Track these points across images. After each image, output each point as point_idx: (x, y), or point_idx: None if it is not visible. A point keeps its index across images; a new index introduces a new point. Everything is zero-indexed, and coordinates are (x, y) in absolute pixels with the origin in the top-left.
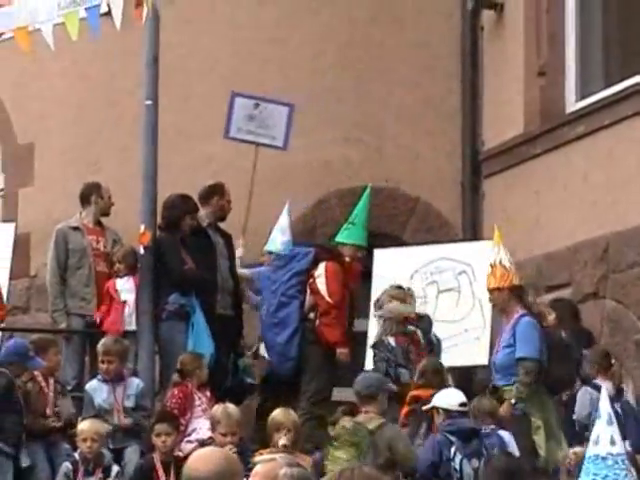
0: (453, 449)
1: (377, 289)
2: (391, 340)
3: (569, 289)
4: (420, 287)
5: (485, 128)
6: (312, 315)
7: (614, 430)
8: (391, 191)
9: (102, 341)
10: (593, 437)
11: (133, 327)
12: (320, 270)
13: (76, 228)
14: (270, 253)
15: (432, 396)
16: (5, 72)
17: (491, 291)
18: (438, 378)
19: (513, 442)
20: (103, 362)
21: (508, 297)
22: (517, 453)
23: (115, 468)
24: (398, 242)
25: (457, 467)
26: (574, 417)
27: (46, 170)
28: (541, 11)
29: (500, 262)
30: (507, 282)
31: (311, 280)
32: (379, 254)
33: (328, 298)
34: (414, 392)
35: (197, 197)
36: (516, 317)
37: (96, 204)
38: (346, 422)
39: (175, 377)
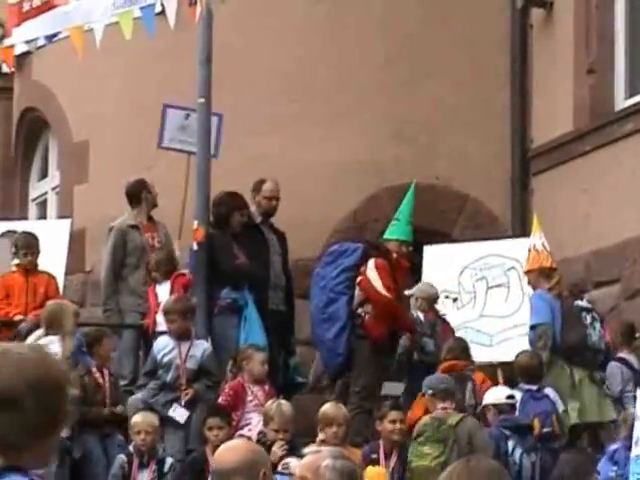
0: (511, 444)
1: (427, 278)
2: (420, 315)
3: (617, 285)
4: (470, 283)
5: (534, 126)
6: (360, 310)
7: None
8: (441, 189)
9: (164, 302)
10: (635, 438)
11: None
12: (370, 266)
13: (134, 226)
14: None
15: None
16: (61, 71)
17: (526, 273)
18: (464, 355)
19: (558, 399)
20: (167, 322)
21: (537, 277)
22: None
23: (169, 460)
24: (448, 239)
25: (517, 461)
26: (608, 393)
27: (100, 167)
28: (591, 9)
29: (534, 247)
30: (537, 264)
31: (360, 276)
32: (429, 250)
33: (385, 292)
34: (446, 364)
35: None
36: None
37: (146, 200)
38: (427, 419)
39: (229, 370)
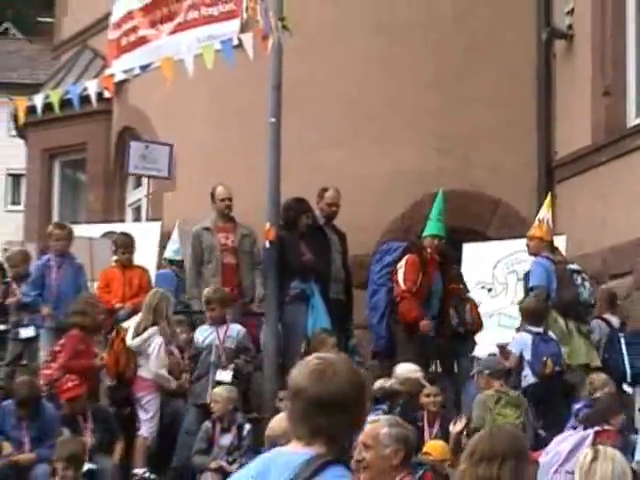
0: None
1: (466, 277)
2: None
3: (630, 277)
4: (502, 275)
5: (557, 140)
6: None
7: None
8: (477, 194)
9: (204, 292)
10: None
11: None
12: (402, 262)
13: (207, 229)
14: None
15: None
16: (153, 96)
17: (535, 238)
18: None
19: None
20: (207, 310)
21: (537, 244)
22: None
23: (247, 426)
24: (483, 237)
25: None
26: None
27: (186, 178)
28: (606, 40)
29: (547, 222)
30: (539, 234)
31: (394, 271)
32: (467, 247)
33: (402, 285)
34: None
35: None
36: None
37: (215, 206)
38: (493, 391)
39: (303, 350)
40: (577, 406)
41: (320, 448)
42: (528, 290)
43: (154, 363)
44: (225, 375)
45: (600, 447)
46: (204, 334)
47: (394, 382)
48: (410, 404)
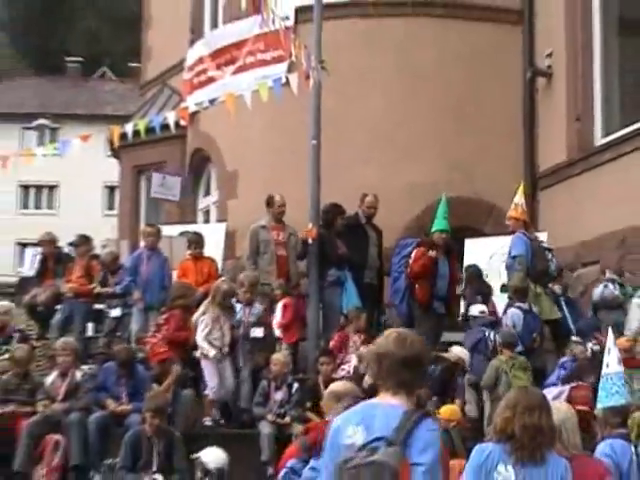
0: None
1: (467, 264)
2: None
3: (597, 265)
4: (496, 264)
5: (540, 157)
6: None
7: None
8: (477, 201)
9: (240, 276)
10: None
11: None
12: (413, 254)
13: (263, 227)
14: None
15: None
16: (219, 123)
17: (512, 218)
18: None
19: None
20: (242, 293)
21: (520, 224)
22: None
23: (295, 385)
24: (481, 234)
25: None
26: None
27: (245, 188)
28: (577, 77)
29: (521, 205)
30: (516, 215)
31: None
32: (468, 242)
33: (409, 271)
34: None
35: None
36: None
37: (269, 210)
38: (506, 357)
39: (340, 325)
40: (563, 360)
41: (403, 397)
42: (512, 258)
43: (199, 335)
44: (258, 332)
45: (554, 402)
46: (239, 314)
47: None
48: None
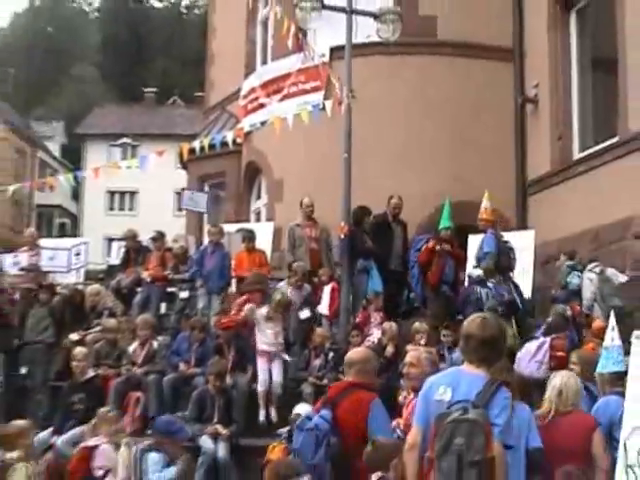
0: None
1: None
2: None
3: (576, 257)
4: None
5: (529, 168)
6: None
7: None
8: (478, 204)
9: (294, 265)
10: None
11: None
12: (423, 248)
13: (298, 225)
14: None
15: None
16: (268, 141)
17: (483, 220)
18: None
19: None
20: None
21: (491, 225)
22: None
23: (331, 354)
24: (481, 231)
25: None
26: None
27: (289, 193)
28: (559, 104)
29: (491, 208)
30: (493, 218)
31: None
32: (471, 238)
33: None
34: None
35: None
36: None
37: (300, 211)
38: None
39: (362, 306)
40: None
41: (484, 369)
42: (484, 253)
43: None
44: (306, 313)
45: (560, 372)
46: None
47: None
48: None
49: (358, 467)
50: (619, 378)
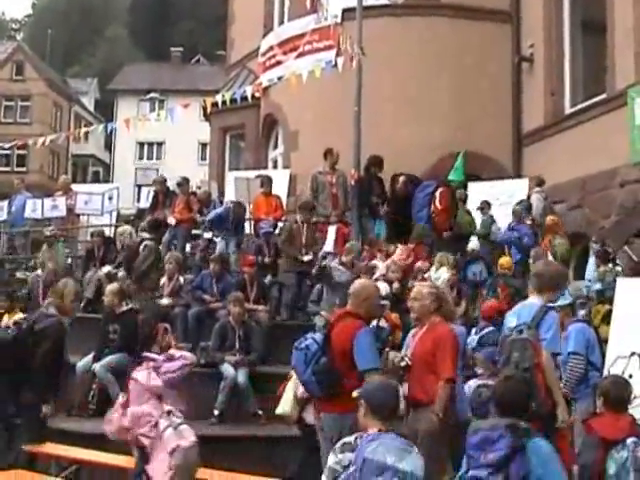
0: None
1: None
2: None
3: (565, 204)
4: (492, 201)
5: (524, 122)
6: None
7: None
8: (479, 155)
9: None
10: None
11: None
12: (437, 191)
13: (321, 172)
14: None
15: None
16: (284, 94)
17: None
18: None
19: None
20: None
21: None
22: None
23: None
24: (480, 179)
25: None
26: None
27: (304, 143)
28: (552, 62)
29: None
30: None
31: (433, 197)
32: (471, 185)
33: (439, 205)
34: None
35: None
36: None
37: (327, 160)
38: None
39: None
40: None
41: (541, 298)
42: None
43: None
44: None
45: None
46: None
47: None
48: None
49: (346, 385)
50: (572, 309)
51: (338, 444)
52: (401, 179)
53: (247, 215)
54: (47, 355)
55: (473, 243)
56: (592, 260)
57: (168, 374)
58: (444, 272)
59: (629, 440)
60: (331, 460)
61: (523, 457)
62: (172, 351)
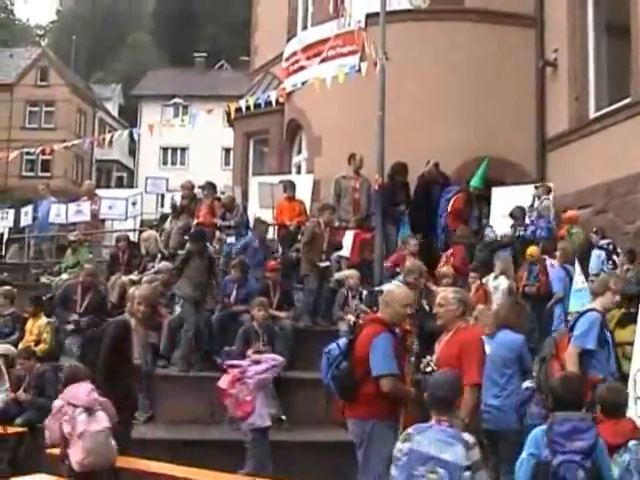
0: None
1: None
2: None
3: (590, 208)
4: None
5: (548, 127)
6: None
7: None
8: (502, 160)
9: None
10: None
11: None
12: (454, 198)
13: (344, 177)
14: None
15: None
16: (308, 99)
17: None
18: None
19: None
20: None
21: None
22: None
23: (364, 292)
24: (504, 184)
25: None
26: None
27: (327, 148)
28: (576, 67)
29: None
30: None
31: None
32: (495, 190)
33: (450, 208)
34: None
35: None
36: None
37: (351, 164)
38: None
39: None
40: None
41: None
42: None
43: None
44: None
45: None
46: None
47: None
48: None
49: (363, 392)
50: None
51: (403, 434)
52: (432, 161)
53: (270, 221)
54: (106, 353)
55: (504, 228)
56: (596, 253)
57: (257, 376)
58: (504, 280)
59: (631, 443)
60: (396, 448)
61: (602, 446)
62: (256, 356)
